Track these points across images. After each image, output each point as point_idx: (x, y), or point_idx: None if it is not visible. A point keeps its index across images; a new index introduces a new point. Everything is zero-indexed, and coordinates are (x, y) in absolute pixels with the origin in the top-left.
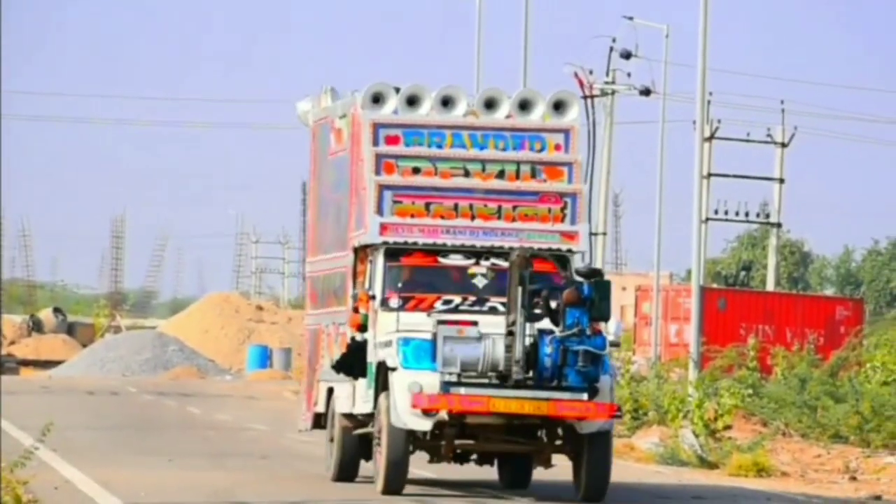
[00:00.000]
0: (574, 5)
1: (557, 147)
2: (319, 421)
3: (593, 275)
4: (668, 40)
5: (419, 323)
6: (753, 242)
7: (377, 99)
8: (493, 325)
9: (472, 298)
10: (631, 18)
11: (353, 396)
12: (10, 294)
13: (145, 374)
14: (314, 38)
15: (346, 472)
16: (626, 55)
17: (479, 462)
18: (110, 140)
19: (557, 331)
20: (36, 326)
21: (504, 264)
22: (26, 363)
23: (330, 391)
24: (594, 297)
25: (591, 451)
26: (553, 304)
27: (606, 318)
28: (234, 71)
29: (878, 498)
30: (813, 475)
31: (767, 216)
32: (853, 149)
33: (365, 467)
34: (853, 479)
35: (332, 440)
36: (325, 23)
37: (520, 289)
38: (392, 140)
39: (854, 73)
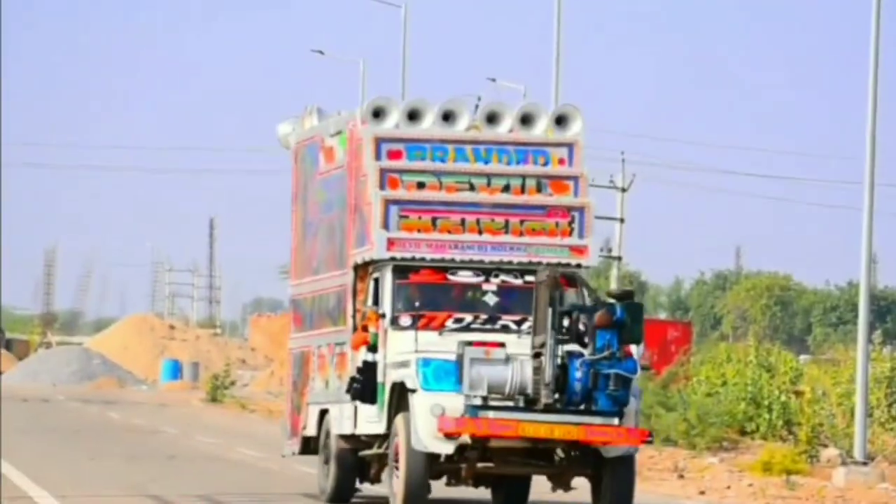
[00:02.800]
0: (445, 67)
1: (561, 161)
2: (308, 445)
3: (626, 297)
4: (526, 99)
5: (433, 342)
6: (598, 273)
7: (378, 113)
8: (512, 344)
9: (483, 316)
10: (493, 80)
11: (355, 417)
12: None
13: (72, 384)
14: (217, 85)
15: (343, 493)
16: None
17: (475, 484)
18: (44, 182)
19: (587, 353)
20: None
21: (514, 281)
22: None
23: (322, 413)
24: (626, 319)
25: (616, 474)
26: (582, 326)
27: (639, 342)
28: (147, 119)
29: (702, 493)
30: (647, 473)
31: (610, 251)
32: (683, 193)
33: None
34: (681, 477)
35: (326, 462)
36: (226, 67)
37: (549, 310)
38: (394, 155)
39: (683, 129)
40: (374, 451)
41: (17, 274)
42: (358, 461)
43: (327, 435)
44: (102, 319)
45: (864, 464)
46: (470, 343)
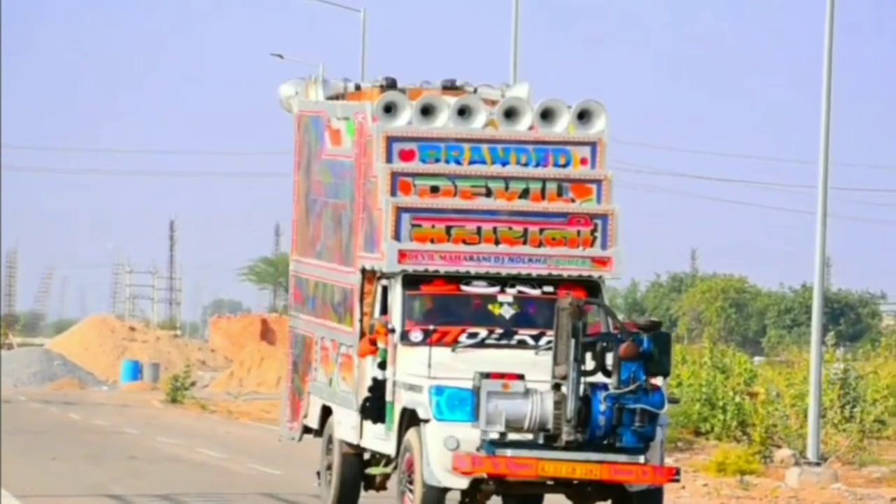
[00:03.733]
0: (404, 71)
1: (583, 161)
2: (310, 431)
3: (654, 327)
4: None
5: (446, 361)
6: None
7: (389, 108)
8: (522, 362)
9: (498, 331)
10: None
11: (360, 428)
12: None
13: (34, 386)
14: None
15: (346, 502)
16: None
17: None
18: (3, 183)
19: (611, 386)
20: None
21: (532, 292)
22: None
23: (325, 410)
24: (654, 351)
25: None
26: (607, 357)
27: (667, 374)
28: (109, 122)
29: None
30: None
31: None
32: (638, 196)
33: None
34: None
35: (328, 468)
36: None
37: (572, 341)
38: (407, 155)
39: (638, 132)
40: (381, 469)
41: None
42: (361, 468)
43: (329, 440)
44: (63, 321)
45: (818, 464)
46: (487, 375)
